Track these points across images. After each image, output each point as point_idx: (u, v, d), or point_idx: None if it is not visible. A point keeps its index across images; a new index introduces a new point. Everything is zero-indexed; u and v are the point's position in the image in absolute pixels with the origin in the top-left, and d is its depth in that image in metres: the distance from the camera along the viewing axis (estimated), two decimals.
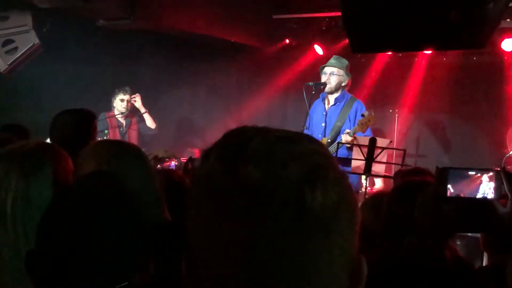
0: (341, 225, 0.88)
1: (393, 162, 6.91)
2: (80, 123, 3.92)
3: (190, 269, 0.93)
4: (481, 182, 1.84)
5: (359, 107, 6.57)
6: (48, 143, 2.22)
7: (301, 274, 0.86)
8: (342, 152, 6.33)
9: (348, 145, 6.30)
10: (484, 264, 4.21)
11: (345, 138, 6.29)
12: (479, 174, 1.85)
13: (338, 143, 6.22)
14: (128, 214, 1.52)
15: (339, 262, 0.89)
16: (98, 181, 1.58)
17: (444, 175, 1.84)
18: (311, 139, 0.94)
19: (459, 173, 1.87)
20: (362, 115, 6.37)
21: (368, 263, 0.97)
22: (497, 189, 1.82)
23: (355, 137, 6.26)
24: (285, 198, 0.84)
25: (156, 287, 1.67)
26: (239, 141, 0.91)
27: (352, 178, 5.99)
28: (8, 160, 1.94)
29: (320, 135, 6.62)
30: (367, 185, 6.09)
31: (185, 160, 3.94)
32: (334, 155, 6.24)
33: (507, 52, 8.30)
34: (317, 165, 0.88)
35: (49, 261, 1.47)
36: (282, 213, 0.84)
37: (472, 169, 1.85)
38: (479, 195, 1.85)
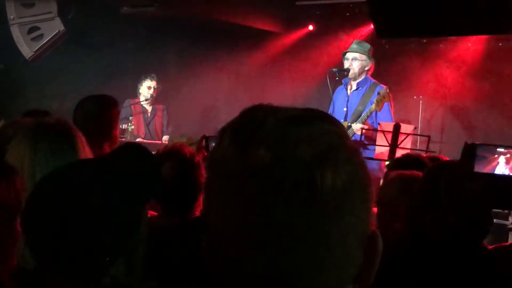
0: (353, 204, 0.90)
1: (418, 148, 6.87)
2: (102, 109, 3.93)
3: (209, 250, 0.94)
4: (498, 164, 1.83)
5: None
6: (64, 120, 2.23)
7: (314, 254, 0.87)
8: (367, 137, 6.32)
9: (371, 131, 6.28)
10: None
11: (354, 126, 6.27)
12: (506, 153, 1.84)
13: (362, 129, 6.19)
14: (120, 202, 1.50)
15: (352, 241, 0.90)
16: (98, 167, 1.58)
17: (472, 151, 1.83)
18: (324, 118, 0.94)
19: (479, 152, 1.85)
20: (378, 93, 6.33)
21: (391, 239, 0.97)
22: None
23: (367, 124, 6.24)
24: (296, 181, 0.85)
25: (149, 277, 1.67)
26: (251, 123, 0.91)
27: (373, 164, 5.97)
28: (34, 136, 1.97)
29: (342, 119, 6.59)
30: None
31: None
32: (354, 138, 6.25)
33: None
34: (328, 146, 0.88)
35: (33, 243, 1.47)
36: (293, 195, 0.85)
37: (500, 146, 1.84)
38: None
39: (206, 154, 3.81)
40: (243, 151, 0.88)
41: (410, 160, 3.63)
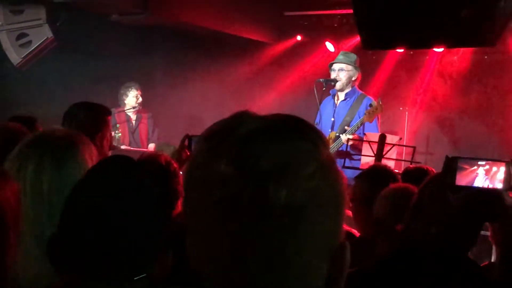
0: (312, 220, 0.90)
1: (403, 159, 6.92)
2: (92, 117, 3.91)
3: (190, 251, 0.97)
4: (476, 175, 1.87)
5: (369, 103, 6.55)
6: (75, 131, 2.24)
7: (271, 266, 0.89)
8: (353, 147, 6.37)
9: (354, 145, 6.33)
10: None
11: (343, 137, 6.32)
12: (484, 165, 1.88)
13: (348, 139, 6.24)
14: (150, 204, 1.55)
15: (312, 253, 0.92)
16: (123, 167, 1.61)
17: (453, 164, 1.87)
18: (295, 130, 0.94)
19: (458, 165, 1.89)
20: (370, 105, 6.38)
21: (379, 253, 1.00)
22: (506, 181, 1.84)
23: (355, 136, 6.29)
24: (251, 195, 0.87)
25: (174, 279, 1.70)
26: (220, 134, 0.94)
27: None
28: (41, 147, 1.98)
29: (329, 130, 6.65)
30: None
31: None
32: (341, 149, 6.30)
33: None
34: (288, 161, 0.89)
35: (69, 246, 1.51)
36: (248, 209, 0.88)
37: (481, 159, 1.88)
38: None
39: (188, 153, 3.83)
40: (209, 162, 0.91)
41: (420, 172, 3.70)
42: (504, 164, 1.87)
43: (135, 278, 1.48)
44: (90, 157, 2.07)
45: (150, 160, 3.19)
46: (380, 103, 6.35)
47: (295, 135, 0.93)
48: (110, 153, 4.07)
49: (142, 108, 8.26)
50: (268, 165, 0.88)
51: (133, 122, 8.21)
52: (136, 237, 1.49)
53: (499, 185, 1.86)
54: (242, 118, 0.96)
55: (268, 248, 0.89)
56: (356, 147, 6.34)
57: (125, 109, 8.10)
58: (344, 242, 0.96)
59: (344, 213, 0.96)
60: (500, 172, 1.86)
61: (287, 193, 0.87)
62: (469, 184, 1.88)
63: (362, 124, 6.33)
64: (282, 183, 0.88)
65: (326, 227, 0.93)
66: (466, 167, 1.87)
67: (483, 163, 1.88)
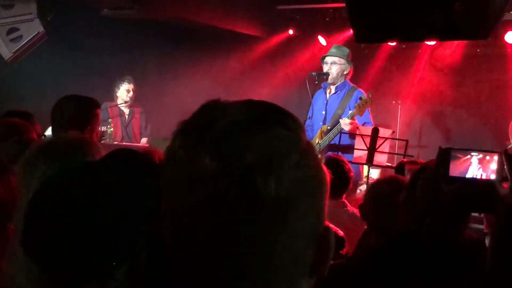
0: (300, 209, 0.90)
1: (396, 152, 6.92)
2: (81, 110, 3.88)
3: (170, 248, 0.95)
4: (470, 164, 1.86)
5: (359, 96, 6.54)
6: (82, 137, 2.19)
7: (259, 259, 0.89)
8: (345, 141, 6.35)
9: (349, 134, 6.32)
10: None
11: (343, 121, 6.29)
12: (478, 154, 1.87)
13: (341, 132, 6.23)
14: (127, 201, 1.51)
15: (300, 243, 0.91)
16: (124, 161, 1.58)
17: (446, 155, 1.86)
18: (277, 120, 0.93)
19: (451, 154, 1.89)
20: (360, 98, 6.37)
21: (369, 246, 0.99)
22: (499, 171, 1.84)
23: (355, 120, 6.27)
24: (239, 189, 0.86)
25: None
26: (200, 127, 0.92)
27: (352, 168, 6.00)
28: (49, 156, 1.94)
29: (320, 123, 6.66)
30: (369, 175, 6.10)
31: None
32: (334, 142, 6.29)
33: (510, 44, 8.29)
34: (273, 152, 0.88)
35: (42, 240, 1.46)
36: (237, 204, 0.86)
37: (474, 150, 1.87)
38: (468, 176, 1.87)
39: None
40: (191, 159, 0.89)
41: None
42: (497, 154, 1.87)
43: (107, 281, 1.44)
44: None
45: (144, 156, 3.18)
46: (370, 96, 6.34)
47: (275, 124, 0.92)
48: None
49: (134, 102, 8.23)
50: (253, 157, 0.86)
51: (126, 116, 8.17)
52: (112, 240, 1.45)
53: (493, 176, 1.86)
54: (218, 110, 0.93)
55: (258, 241, 0.88)
56: (352, 135, 6.32)
57: (118, 103, 8.07)
58: (327, 227, 0.96)
59: (326, 200, 0.96)
60: (493, 162, 1.86)
61: (276, 183, 0.86)
62: (462, 173, 1.87)
63: (353, 117, 6.31)
64: (269, 173, 0.86)
65: (313, 215, 0.93)
66: (460, 156, 1.87)
67: (476, 153, 1.88)
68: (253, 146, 0.87)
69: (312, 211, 0.92)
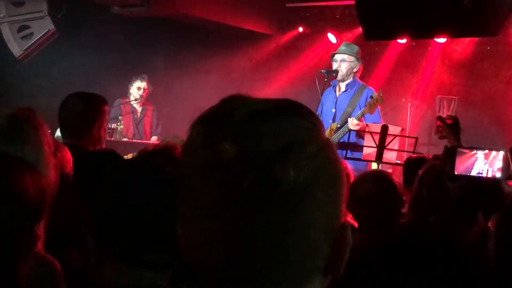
0: (317, 199, 0.90)
1: (405, 149, 6.90)
2: (87, 107, 3.85)
3: (183, 238, 0.96)
4: (476, 160, 1.86)
5: (369, 94, 6.54)
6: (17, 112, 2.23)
7: (275, 248, 0.88)
8: (355, 139, 6.35)
9: (359, 132, 6.31)
10: None
11: (351, 122, 6.29)
12: (486, 151, 1.87)
13: (350, 130, 6.23)
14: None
15: (317, 234, 0.91)
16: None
17: (451, 154, 1.87)
18: (295, 111, 0.94)
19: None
20: (371, 97, 6.36)
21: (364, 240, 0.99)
22: (505, 170, 1.84)
23: (363, 121, 6.27)
24: (257, 175, 0.86)
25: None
26: (220, 115, 0.93)
27: (360, 166, 5.98)
28: None
29: (330, 121, 6.64)
30: None
31: None
32: (343, 140, 6.28)
33: None
34: (292, 140, 0.89)
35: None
36: (253, 190, 0.86)
37: (479, 148, 1.87)
38: (473, 172, 1.87)
39: None
40: (210, 144, 0.90)
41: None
42: (502, 151, 1.87)
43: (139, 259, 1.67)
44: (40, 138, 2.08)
45: (167, 152, 3.18)
46: (381, 94, 6.33)
47: (296, 115, 0.93)
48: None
49: (146, 101, 8.26)
50: (272, 144, 0.87)
51: (139, 114, 8.20)
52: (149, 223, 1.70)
53: (498, 174, 1.86)
54: (237, 101, 0.95)
55: (274, 229, 0.88)
56: (360, 135, 6.32)
57: (130, 100, 8.10)
58: (345, 223, 0.95)
59: (344, 195, 0.96)
60: (499, 157, 1.86)
61: (294, 170, 0.87)
62: (468, 168, 1.88)
63: (363, 115, 6.30)
64: (287, 161, 0.87)
65: (330, 207, 0.93)
66: (466, 151, 1.87)
67: (482, 150, 1.88)
68: (271, 133, 0.88)
69: (329, 202, 0.92)
